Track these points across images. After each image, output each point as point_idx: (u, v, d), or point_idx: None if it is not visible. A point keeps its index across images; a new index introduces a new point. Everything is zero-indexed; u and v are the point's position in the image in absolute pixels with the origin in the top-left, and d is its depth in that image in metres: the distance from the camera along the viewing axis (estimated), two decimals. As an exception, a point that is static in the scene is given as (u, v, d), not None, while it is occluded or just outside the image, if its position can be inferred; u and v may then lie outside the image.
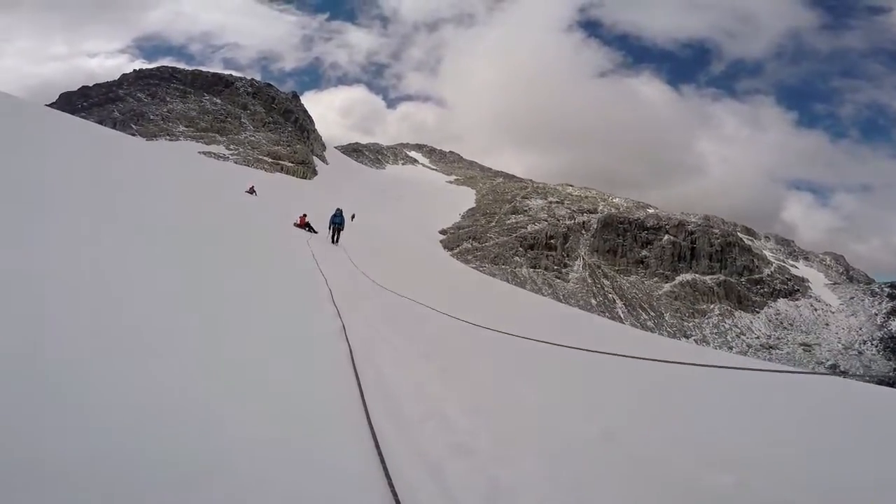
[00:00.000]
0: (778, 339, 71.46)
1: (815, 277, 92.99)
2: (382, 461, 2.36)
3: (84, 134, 16.85)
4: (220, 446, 2.13)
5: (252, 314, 4.71)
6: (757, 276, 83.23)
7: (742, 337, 70.66)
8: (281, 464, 2.14)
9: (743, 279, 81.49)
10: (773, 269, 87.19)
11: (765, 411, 4.68)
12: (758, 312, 76.88)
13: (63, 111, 36.16)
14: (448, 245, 75.80)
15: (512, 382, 4.36)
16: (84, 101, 79.71)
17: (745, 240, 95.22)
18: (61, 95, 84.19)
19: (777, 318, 76.09)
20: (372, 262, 14.06)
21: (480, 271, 55.31)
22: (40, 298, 2.98)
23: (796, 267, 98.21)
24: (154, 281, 4.33)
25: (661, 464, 3.00)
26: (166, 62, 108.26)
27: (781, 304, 79.44)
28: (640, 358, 4.02)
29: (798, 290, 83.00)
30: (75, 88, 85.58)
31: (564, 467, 2.78)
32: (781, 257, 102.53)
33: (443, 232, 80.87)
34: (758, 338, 71.15)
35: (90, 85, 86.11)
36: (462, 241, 78.05)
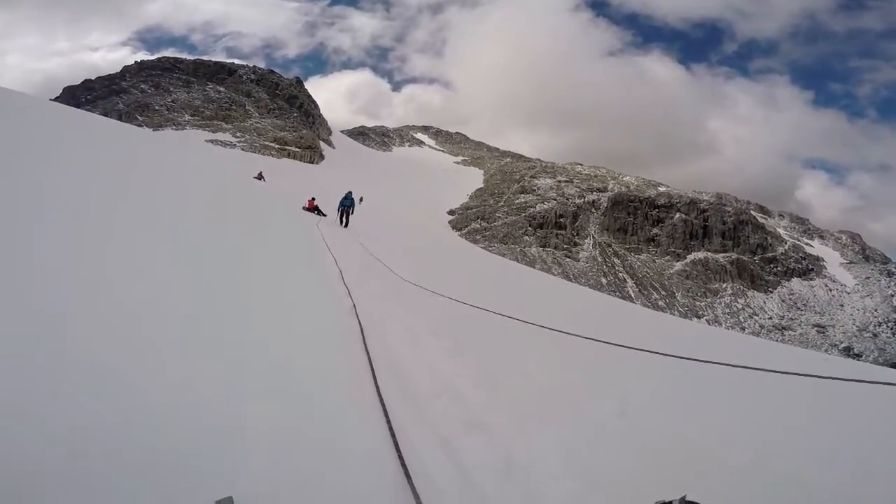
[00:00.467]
0: (791, 319, 70.77)
1: (830, 256, 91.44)
2: (393, 437, 2.31)
3: (90, 126, 16.79)
4: (228, 423, 2.09)
5: (263, 295, 4.67)
6: (770, 254, 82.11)
7: (755, 317, 70.09)
8: (289, 441, 2.09)
9: (756, 258, 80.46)
10: (787, 247, 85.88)
11: (787, 400, 4.58)
12: (771, 292, 76.06)
13: (67, 105, 36.17)
14: (456, 225, 75.66)
15: (524, 362, 4.29)
16: (88, 95, 79.72)
17: (758, 218, 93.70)
18: (65, 89, 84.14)
19: (791, 299, 75.23)
20: (382, 245, 13.99)
21: (489, 251, 55.19)
22: (51, 279, 2.95)
23: (811, 245, 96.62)
24: (165, 262, 4.35)
25: (678, 442, 2.94)
26: (169, 53, 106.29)
27: (795, 283, 78.43)
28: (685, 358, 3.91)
29: (812, 269, 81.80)
30: (78, 82, 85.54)
31: (580, 443, 2.73)
32: (796, 235, 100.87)
33: (451, 212, 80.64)
34: (770, 318, 70.53)
35: (93, 78, 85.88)
36: (470, 221, 77.81)
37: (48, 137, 9.93)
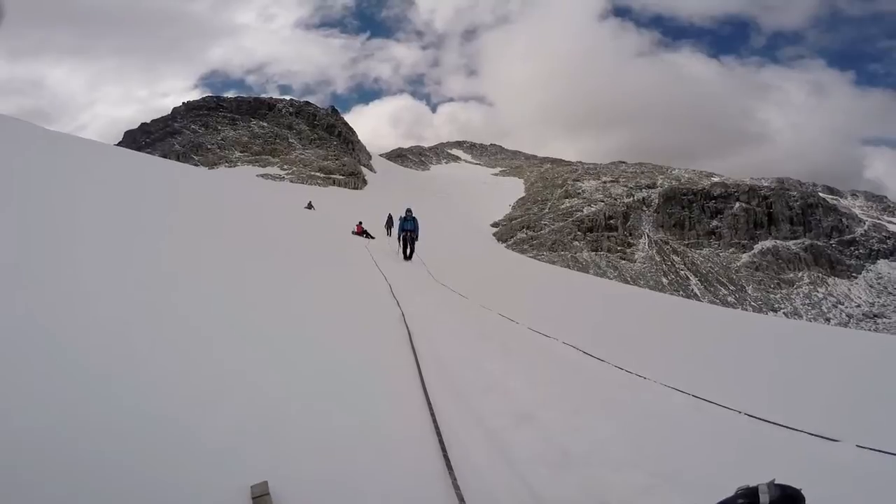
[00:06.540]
0: (883, 306, 63.66)
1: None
2: (436, 427, 2.14)
3: (169, 170, 18.25)
4: (275, 411, 2.15)
5: (316, 307, 4.86)
6: (848, 236, 74.84)
7: (840, 307, 63.72)
8: (336, 431, 2.10)
9: (832, 241, 73.64)
10: (866, 227, 77.99)
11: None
12: (855, 277, 69.03)
13: (129, 148, 39.26)
14: (501, 237, 74.97)
15: (583, 361, 4.01)
16: (146, 138, 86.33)
17: (828, 199, 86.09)
18: (125, 133, 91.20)
19: (879, 283, 67.82)
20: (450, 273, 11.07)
21: (538, 259, 54.01)
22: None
23: (894, 223, 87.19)
24: (240, 277, 5.07)
25: (749, 428, 2.72)
26: (230, 95, 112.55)
27: (882, 265, 70.75)
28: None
29: (901, 248, 73.45)
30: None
31: (646, 434, 2.46)
32: (875, 214, 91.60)
33: (494, 224, 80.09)
34: (859, 306, 63.81)
35: (148, 121, 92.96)
36: (515, 231, 76.85)
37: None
